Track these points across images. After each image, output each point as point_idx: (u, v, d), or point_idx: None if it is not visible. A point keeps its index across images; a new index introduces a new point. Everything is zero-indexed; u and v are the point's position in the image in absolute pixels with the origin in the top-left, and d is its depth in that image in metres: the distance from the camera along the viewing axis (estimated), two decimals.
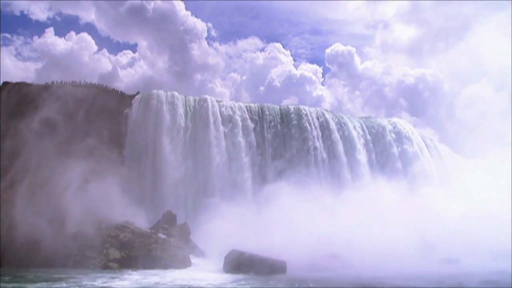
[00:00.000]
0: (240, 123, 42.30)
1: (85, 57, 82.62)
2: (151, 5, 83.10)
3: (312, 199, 35.85)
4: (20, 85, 38.99)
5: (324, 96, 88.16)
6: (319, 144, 43.38)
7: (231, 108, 43.00)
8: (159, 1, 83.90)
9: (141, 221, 33.92)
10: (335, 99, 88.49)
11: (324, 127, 44.83)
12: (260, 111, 44.36)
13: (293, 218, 32.33)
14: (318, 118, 45.10)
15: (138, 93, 42.60)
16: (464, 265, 29.67)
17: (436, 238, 33.45)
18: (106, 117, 39.57)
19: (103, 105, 40.08)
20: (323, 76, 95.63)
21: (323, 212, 34.05)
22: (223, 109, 42.65)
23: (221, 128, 41.36)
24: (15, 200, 29.42)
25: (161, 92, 41.75)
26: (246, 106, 44.19)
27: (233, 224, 31.20)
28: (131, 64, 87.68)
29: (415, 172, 43.65)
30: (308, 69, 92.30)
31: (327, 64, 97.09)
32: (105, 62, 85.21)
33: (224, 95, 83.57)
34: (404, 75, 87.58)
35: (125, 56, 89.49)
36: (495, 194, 39.45)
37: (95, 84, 42.92)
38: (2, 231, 28.45)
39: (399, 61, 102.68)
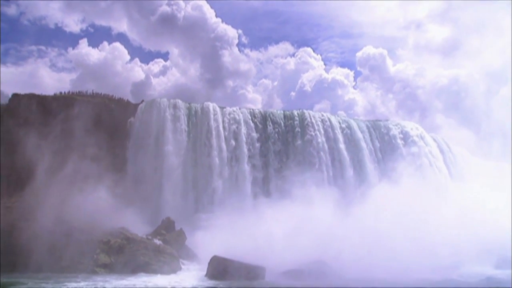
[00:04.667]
0: (243, 131, 42.25)
1: (118, 66, 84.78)
2: (181, 13, 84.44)
3: (315, 206, 35.36)
4: (29, 96, 40.37)
5: (356, 99, 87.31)
6: (323, 149, 42.79)
7: (234, 115, 43.05)
8: (190, 9, 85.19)
9: (141, 227, 34.71)
10: (368, 102, 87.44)
11: (329, 132, 44.19)
12: (263, 117, 44.18)
13: (291, 226, 31.98)
14: (322, 123, 44.50)
15: (142, 101, 43.39)
16: (465, 272, 28.57)
17: (440, 244, 32.30)
18: (111, 126, 40.54)
19: (109, 114, 41.16)
20: (355, 79, 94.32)
21: (325, 219, 33.54)
22: (225, 117, 42.75)
23: (223, 135, 41.43)
24: (13, 206, 30.50)
25: (164, 100, 42.38)
26: (250, 112, 44.14)
27: (230, 231, 31.35)
28: (163, 72, 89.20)
29: (425, 176, 42.27)
30: (339, 73, 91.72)
31: (358, 68, 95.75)
32: (137, 71, 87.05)
33: (256, 101, 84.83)
34: (438, 76, 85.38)
35: (157, 65, 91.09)
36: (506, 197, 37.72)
37: (102, 94, 43.94)
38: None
39: (433, 62, 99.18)
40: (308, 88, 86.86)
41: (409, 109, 79.94)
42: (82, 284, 23.93)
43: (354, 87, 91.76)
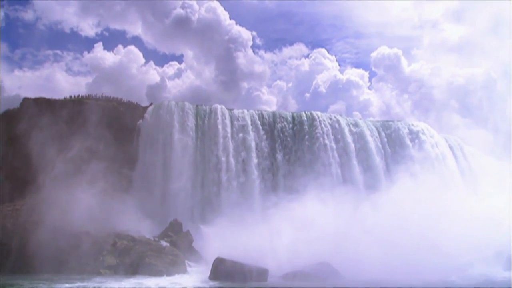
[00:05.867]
0: (251, 132, 42.27)
1: (133, 69, 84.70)
2: (195, 16, 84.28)
3: (323, 208, 35.16)
4: (39, 100, 40.97)
5: (371, 100, 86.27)
6: (332, 151, 42.64)
7: (242, 117, 43.09)
8: (204, 12, 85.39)
9: (150, 229, 34.99)
10: (383, 103, 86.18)
11: (338, 133, 44.00)
12: (272, 119, 44.13)
13: (298, 227, 31.86)
14: (331, 124, 44.28)
15: (151, 104, 43.68)
16: (472, 273, 28.12)
17: (450, 246, 31.82)
18: (120, 129, 40.85)
19: (118, 117, 41.47)
20: (370, 80, 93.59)
21: (332, 220, 33.32)
22: (233, 118, 42.87)
23: (231, 137, 41.49)
24: (21, 209, 30.93)
25: (172, 102, 42.60)
26: (258, 114, 44.14)
27: (238, 233, 31.38)
28: (178, 75, 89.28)
29: (435, 177, 41.63)
30: (354, 74, 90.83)
31: (373, 68, 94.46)
32: (153, 74, 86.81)
33: (271, 102, 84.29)
34: (454, 75, 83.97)
35: (172, 67, 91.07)
36: None
37: (111, 97, 44.31)
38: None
39: (449, 61, 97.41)
40: (322, 89, 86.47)
41: (425, 109, 78.65)
42: (77, 284, 24.11)
43: (369, 88, 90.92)
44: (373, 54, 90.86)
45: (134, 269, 28.55)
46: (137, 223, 33.92)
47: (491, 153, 50.16)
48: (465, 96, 77.19)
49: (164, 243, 32.12)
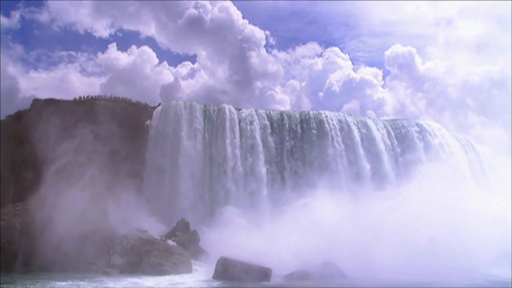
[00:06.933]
0: (259, 132, 42.28)
1: (147, 70, 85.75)
2: (208, 16, 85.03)
3: (331, 208, 34.96)
4: (49, 101, 41.53)
5: (385, 99, 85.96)
6: (340, 151, 42.41)
7: (250, 116, 43.09)
8: (217, 11, 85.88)
9: (158, 229, 35.23)
10: (397, 102, 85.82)
11: (346, 132, 43.78)
12: (280, 119, 44.06)
13: (305, 227, 31.76)
14: (339, 123, 44.03)
15: (159, 104, 43.92)
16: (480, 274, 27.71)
17: (458, 246, 31.39)
18: (129, 129, 41.14)
19: (127, 118, 41.82)
20: (383, 79, 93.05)
21: (338, 220, 33.11)
22: (241, 118, 42.93)
23: (239, 137, 41.58)
24: (30, 209, 31.30)
25: (180, 102, 42.79)
26: (266, 114, 44.10)
27: (245, 232, 31.39)
28: (191, 75, 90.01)
29: (445, 176, 41.04)
30: (367, 73, 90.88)
31: (387, 67, 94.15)
32: (166, 74, 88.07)
33: (284, 102, 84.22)
34: (469, 73, 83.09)
35: (185, 68, 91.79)
36: None
37: (120, 97, 44.70)
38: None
39: (464, 59, 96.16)
40: (336, 88, 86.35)
41: (440, 108, 78.00)
42: (77, 283, 24.32)
43: (383, 86, 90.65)
44: (387, 53, 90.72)
45: (139, 269, 28.65)
46: (145, 223, 34.31)
47: (506, 152, 49.41)
48: (480, 94, 76.42)
49: (171, 243, 32.29)
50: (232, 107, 43.62)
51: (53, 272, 27.51)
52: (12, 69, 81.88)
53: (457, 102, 78.29)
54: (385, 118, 50.50)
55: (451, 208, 34.20)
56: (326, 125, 43.36)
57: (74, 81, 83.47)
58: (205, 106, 43.57)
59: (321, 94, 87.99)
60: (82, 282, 24.48)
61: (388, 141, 44.63)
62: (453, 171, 42.41)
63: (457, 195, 37.71)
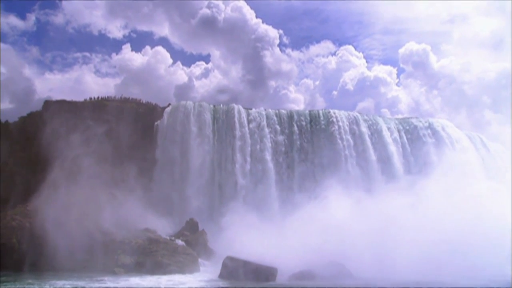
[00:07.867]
0: (268, 131, 42.25)
1: (161, 70, 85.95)
2: (221, 16, 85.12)
3: (340, 207, 34.76)
4: (60, 103, 41.99)
5: (400, 97, 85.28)
6: (349, 150, 42.20)
7: (259, 116, 43.05)
8: (230, 11, 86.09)
9: (167, 229, 35.40)
10: (412, 100, 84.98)
11: (355, 131, 43.50)
12: (289, 118, 43.94)
13: (314, 226, 31.59)
14: (349, 123, 43.75)
15: (169, 105, 44.11)
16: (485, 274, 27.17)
17: (465, 245, 30.87)
18: (139, 129, 41.57)
19: (137, 118, 42.23)
20: (398, 77, 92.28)
21: (347, 219, 32.87)
22: (250, 118, 42.92)
23: (248, 137, 41.58)
24: (39, 209, 31.64)
25: (190, 103, 42.96)
26: (275, 113, 44.01)
27: (254, 232, 31.25)
28: (205, 74, 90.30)
29: (456, 174, 40.47)
30: (382, 71, 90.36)
31: (401, 65, 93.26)
32: (180, 74, 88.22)
33: (298, 101, 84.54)
34: (485, 70, 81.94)
35: (199, 67, 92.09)
36: None
37: (130, 98, 45.08)
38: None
39: (480, 56, 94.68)
40: (350, 86, 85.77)
41: (455, 106, 77.13)
42: (77, 283, 24.53)
43: (397, 85, 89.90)
44: (401, 50, 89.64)
45: (147, 268, 28.88)
46: (154, 222, 34.44)
47: None
48: (497, 91, 75.11)
49: (179, 242, 32.44)
50: (241, 107, 43.67)
51: (61, 272, 27.80)
52: (28, 71, 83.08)
53: (473, 100, 77.20)
54: (399, 116, 49.75)
55: (467, 207, 33.88)
56: (335, 124, 43.07)
57: (89, 82, 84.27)
58: (214, 106, 43.69)
59: (335, 92, 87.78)
60: (85, 282, 24.64)
61: (398, 139, 44.17)
62: (464, 169, 41.66)
63: (471, 193, 37.33)
